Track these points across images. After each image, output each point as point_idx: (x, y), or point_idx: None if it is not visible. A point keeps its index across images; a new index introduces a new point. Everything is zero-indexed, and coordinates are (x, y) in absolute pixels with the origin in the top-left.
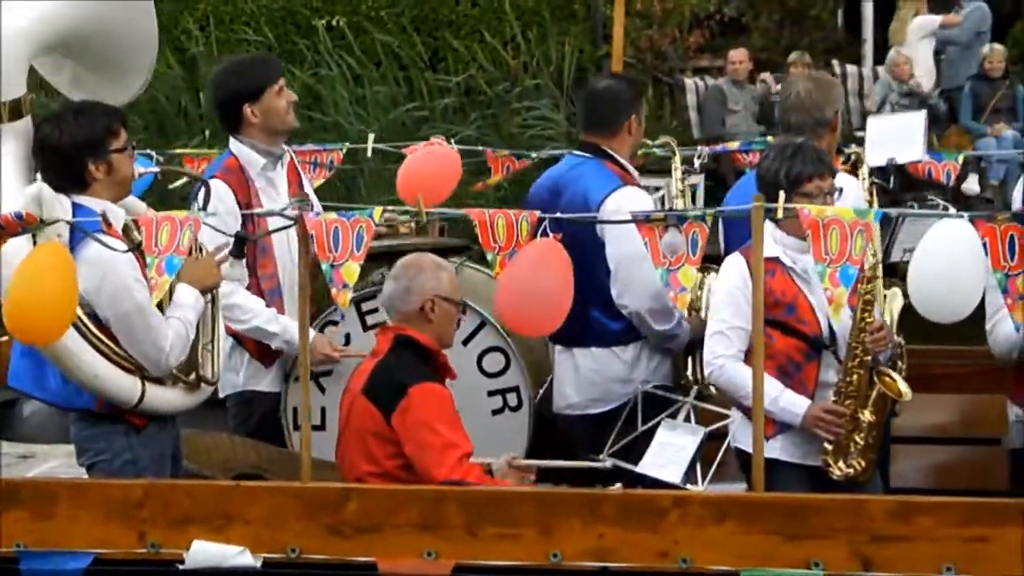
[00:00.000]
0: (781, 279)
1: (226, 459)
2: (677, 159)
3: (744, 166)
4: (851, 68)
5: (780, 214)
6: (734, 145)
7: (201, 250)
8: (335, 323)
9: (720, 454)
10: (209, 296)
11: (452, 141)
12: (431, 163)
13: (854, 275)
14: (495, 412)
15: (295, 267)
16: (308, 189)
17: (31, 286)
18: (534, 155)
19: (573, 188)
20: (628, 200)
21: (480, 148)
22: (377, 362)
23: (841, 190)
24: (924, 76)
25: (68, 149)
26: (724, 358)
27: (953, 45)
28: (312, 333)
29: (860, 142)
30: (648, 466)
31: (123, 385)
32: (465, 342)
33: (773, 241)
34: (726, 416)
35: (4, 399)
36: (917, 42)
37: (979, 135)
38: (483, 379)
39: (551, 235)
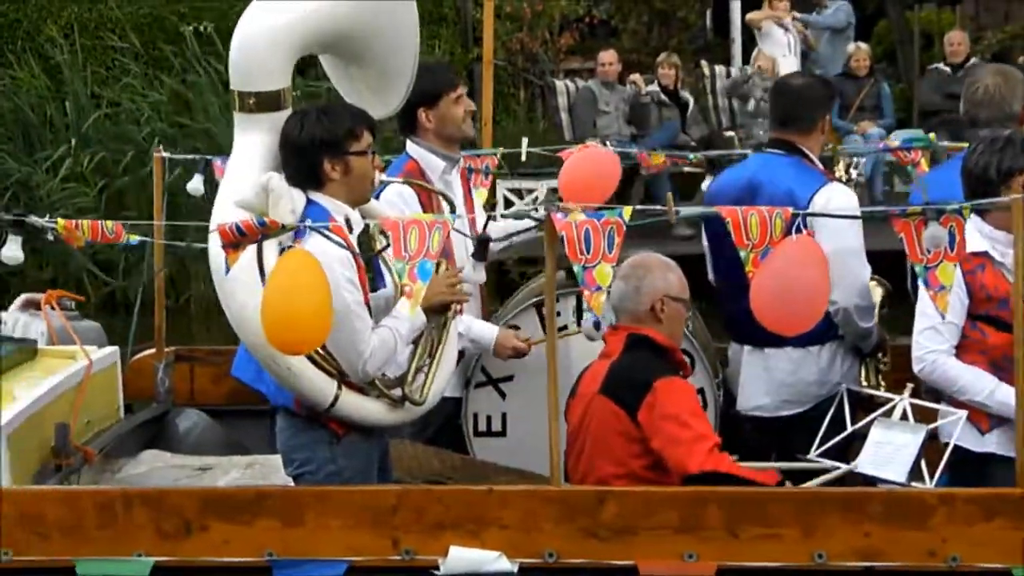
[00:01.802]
0: (991, 274)
1: (408, 467)
2: (842, 165)
3: (906, 164)
4: (720, 68)
5: None
6: (894, 143)
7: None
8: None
9: (947, 452)
10: (442, 319)
11: (607, 143)
12: (590, 164)
13: None
14: None
15: (472, 272)
16: (474, 195)
17: (288, 297)
18: (691, 156)
19: (774, 185)
20: (837, 195)
21: (633, 151)
22: (613, 362)
23: None
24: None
25: (306, 145)
26: (936, 353)
27: (829, 30)
28: (496, 329)
29: (730, 142)
30: (866, 465)
31: (317, 384)
32: None
33: (980, 236)
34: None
35: (156, 413)
36: (772, 42)
37: (846, 132)
38: None
39: (804, 232)
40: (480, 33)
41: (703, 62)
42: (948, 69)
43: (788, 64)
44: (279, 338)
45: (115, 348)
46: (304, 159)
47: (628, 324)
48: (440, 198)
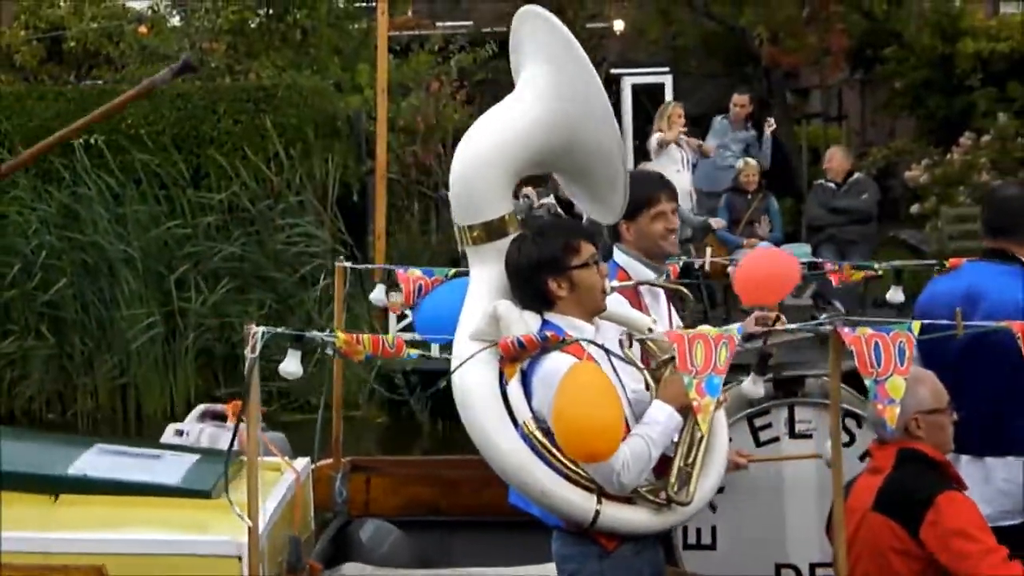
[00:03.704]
0: None
1: None
2: None
3: None
4: None
5: None
6: None
7: None
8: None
9: None
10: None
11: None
12: (767, 263)
13: None
14: None
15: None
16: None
17: (577, 408)
18: (877, 267)
19: (999, 293)
20: None
21: (819, 259)
22: (887, 477)
23: None
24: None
25: (527, 268)
26: None
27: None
28: None
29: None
30: None
31: (575, 503)
32: (862, 457)
33: None
34: None
35: (341, 523)
36: (667, 158)
37: (735, 247)
38: None
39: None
40: (373, 147)
41: None
42: (833, 184)
43: (682, 179)
44: (581, 447)
45: (308, 459)
46: (528, 282)
47: (895, 439)
48: (648, 308)
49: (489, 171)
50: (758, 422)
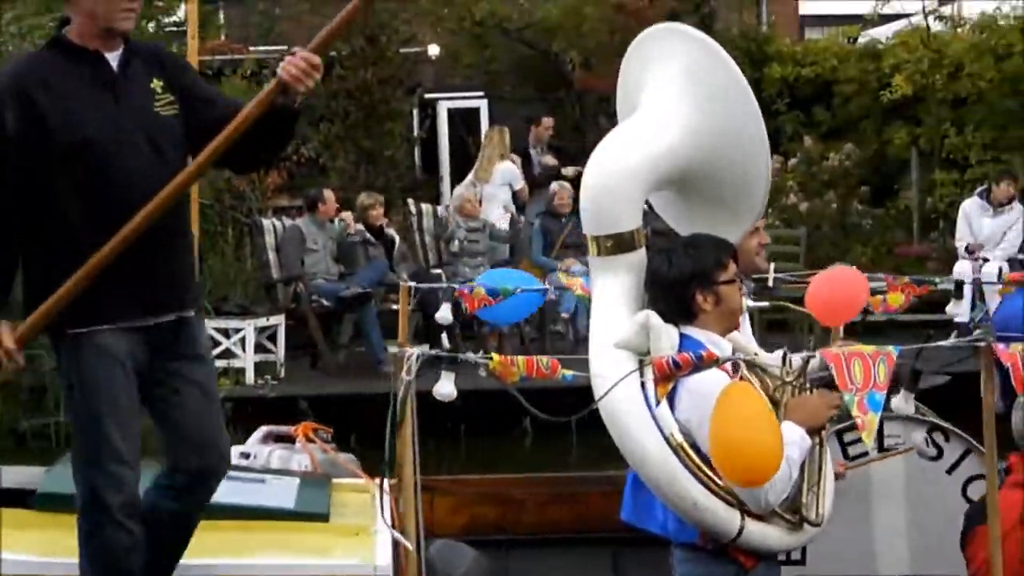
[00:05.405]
0: None
1: None
2: None
3: None
4: (426, 207)
5: None
6: None
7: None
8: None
9: None
10: (816, 439)
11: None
12: (836, 282)
13: None
14: None
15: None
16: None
17: (740, 432)
18: (938, 280)
19: None
20: None
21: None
22: None
23: None
24: (501, 217)
25: (676, 280)
26: None
27: None
28: None
29: (437, 279)
30: None
31: (721, 517)
32: (950, 470)
33: None
34: None
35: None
36: (500, 185)
37: (550, 270)
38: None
39: None
40: None
41: (410, 200)
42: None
43: (502, 203)
44: (742, 473)
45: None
46: (675, 294)
47: None
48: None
49: (626, 184)
50: (847, 437)
